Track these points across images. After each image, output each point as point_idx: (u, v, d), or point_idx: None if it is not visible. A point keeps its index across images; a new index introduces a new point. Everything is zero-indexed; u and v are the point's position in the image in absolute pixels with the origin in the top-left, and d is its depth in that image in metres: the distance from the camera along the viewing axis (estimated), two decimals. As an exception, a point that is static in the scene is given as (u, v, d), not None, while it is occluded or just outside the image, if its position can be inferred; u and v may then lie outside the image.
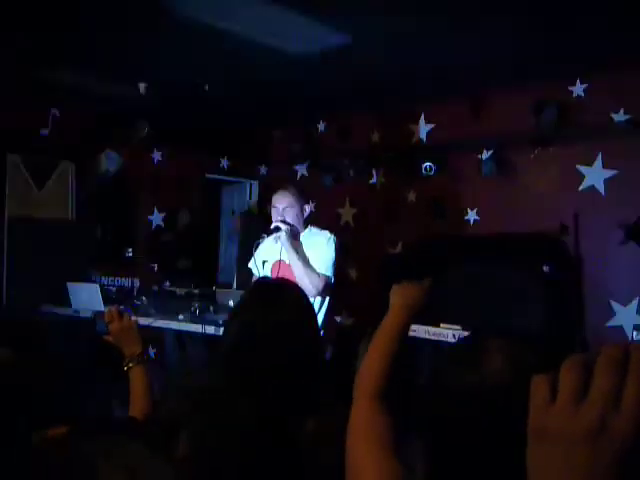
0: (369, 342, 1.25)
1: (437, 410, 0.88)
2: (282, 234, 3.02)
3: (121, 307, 1.62)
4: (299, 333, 1.34)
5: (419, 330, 3.42)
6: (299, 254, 3.04)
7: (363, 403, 1.10)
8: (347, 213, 5.24)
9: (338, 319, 4.87)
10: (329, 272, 3.01)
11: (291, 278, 2.82)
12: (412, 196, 4.81)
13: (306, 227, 3.21)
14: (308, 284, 2.86)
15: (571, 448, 0.43)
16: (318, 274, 2.96)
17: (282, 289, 1.47)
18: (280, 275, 3.01)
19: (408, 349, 1.28)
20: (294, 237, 3.11)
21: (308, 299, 1.56)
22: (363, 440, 1.00)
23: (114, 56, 3.95)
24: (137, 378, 1.54)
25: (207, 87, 4.31)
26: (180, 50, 3.81)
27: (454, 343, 1.00)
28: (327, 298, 3.04)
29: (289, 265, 3.12)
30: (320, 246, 3.08)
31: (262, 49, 3.72)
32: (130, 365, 1.56)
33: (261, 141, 5.69)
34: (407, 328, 1.30)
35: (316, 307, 2.99)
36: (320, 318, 2.96)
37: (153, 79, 4.33)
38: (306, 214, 3.18)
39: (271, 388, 1.18)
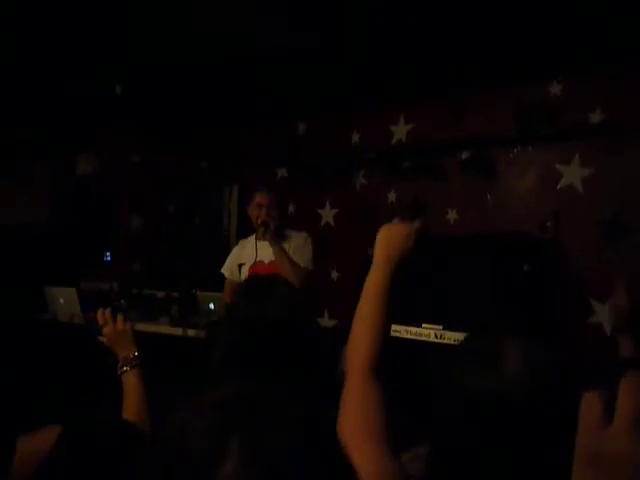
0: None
1: (452, 413, 0.84)
2: (270, 229, 3.13)
3: (109, 309, 1.58)
4: (299, 329, 1.32)
5: (401, 331, 3.42)
6: (283, 250, 3.15)
7: (354, 379, 1.06)
8: (327, 214, 5.23)
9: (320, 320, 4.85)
10: (312, 267, 3.20)
11: None
12: (392, 196, 4.82)
13: (282, 228, 3.30)
14: (293, 277, 2.93)
15: (636, 476, 0.38)
16: (302, 268, 3.12)
17: (273, 285, 1.45)
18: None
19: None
20: (279, 234, 3.22)
21: (299, 294, 1.57)
22: (354, 426, 0.96)
23: (90, 54, 3.89)
24: (131, 382, 1.52)
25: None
26: (151, 47, 3.78)
27: (462, 340, 0.94)
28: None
29: (268, 265, 3.19)
30: (299, 246, 3.23)
31: (235, 45, 3.71)
32: (124, 369, 1.53)
33: (241, 143, 5.65)
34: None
35: None
36: None
37: (129, 78, 4.27)
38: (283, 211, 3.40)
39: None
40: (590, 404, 0.41)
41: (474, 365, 0.84)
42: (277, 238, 3.17)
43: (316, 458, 0.44)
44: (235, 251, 3.45)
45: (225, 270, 3.41)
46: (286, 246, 3.20)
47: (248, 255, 3.28)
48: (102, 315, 1.58)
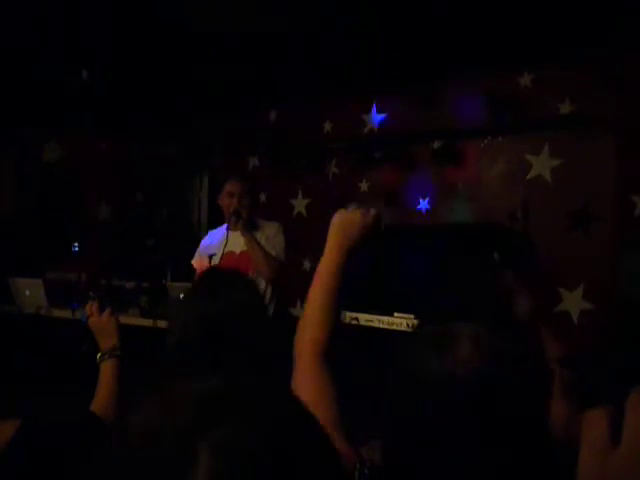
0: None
1: (404, 395, 0.83)
2: (242, 218, 3.08)
3: (97, 301, 1.61)
4: (259, 318, 1.31)
5: (373, 320, 3.43)
6: (255, 239, 3.10)
7: (302, 362, 1.04)
8: (300, 204, 5.21)
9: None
10: (283, 257, 3.15)
11: (242, 269, 2.81)
12: (364, 186, 4.82)
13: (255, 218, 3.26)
14: (265, 267, 2.99)
15: None
16: (274, 257, 3.09)
17: (232, 277, 1.44)
18: (231, 266, 3.01)
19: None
20: (251, 224, 3.17)
21: (257, 286, 1.57)
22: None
23: (54, 41, 3.79)
24: (106, 372, 1.53)
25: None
26: (117, 34, 3.70)
27: (416, 328, 0.95)
28: (273, 290, 3.10)
29: (239, 255, 3.15)
30: (271, 236, 3.18)
31: (201, 32, 3.65)
32: (104, 358, 1.55)
33: (212, 131, 5.58)
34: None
35: (267, 298, 3.01)
36: (270, 309, 3.01)
37: (96, 65, 4.18)
38: (257, 201, 3.38)
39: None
40: (593, 422, 0.37)
41: (426, 349, 0.83)
42: (249, 228, 3.12)
43: (289, 455, 0.42)
44: (205, 242, 3.38)
45: (195, 262, 3.36)
46: (258, 236, 3.15)
47: (218, 246, 3.21)
48: (90, 307, 1.62)
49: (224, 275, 1.52)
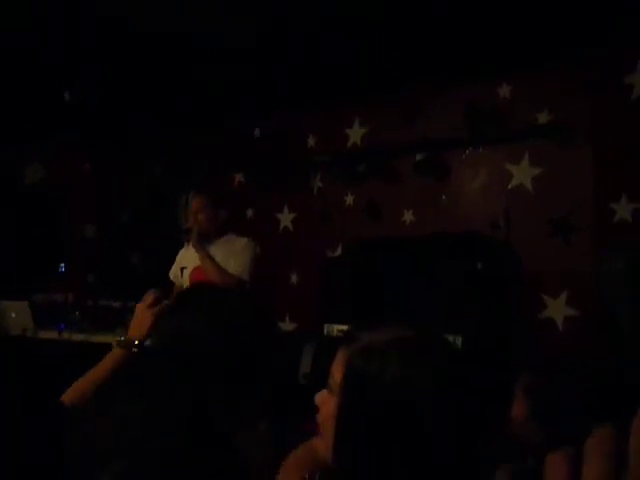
0: (312, 347, 1.23)
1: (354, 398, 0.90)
2: (193, 235, 3.07)
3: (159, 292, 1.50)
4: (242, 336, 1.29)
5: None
6: (209, 256, 3.06)
7: None
8: (286, 218, 5.23)
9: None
10: (245, 276, 3.04)
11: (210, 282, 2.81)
12: (350, 199, 4.86)
13: (225, 233, 3.22)
14: (219, 282, 2.88)
15: None
16: (230, 274, 2.99)
17: (220, 293, 1.41)
18: (199, 280, 3.00)
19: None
20: (206, 238, 3.14)
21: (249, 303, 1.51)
22: None
23: (35, 60, 3.80)
24: (108, 358, 1.44)
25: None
26: (97, 51, 3.72)
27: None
28: None
29: (194, 270, 3.15)
30: (236, 252, 3.11)
31: (190, 49, 3.69)
32: (116, 344, 1.46)
33: (196, 148, 5.60)
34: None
35: None
36: None
37: (78, 83, 4.19)
38: (221, 218, 3.20)
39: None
40: (555, 466, 0.36)
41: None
42: (201, 243, 3.07)
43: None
44: (180, 254, 3.38)
45: (171, 274, 3.36)
46: (223, 250, 3.12)
47: (189, 259, 3.21)
48: (149, 294, 1.51)
49: (212, 290, 1.49)
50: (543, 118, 4.04)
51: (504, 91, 4.20)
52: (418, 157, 4.52)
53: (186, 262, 3.23)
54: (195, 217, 3.14)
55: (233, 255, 3.09)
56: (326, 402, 0.95)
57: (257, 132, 5.34)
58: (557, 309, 3.92)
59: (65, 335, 3.74)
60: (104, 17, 3.26)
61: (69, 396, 1.34)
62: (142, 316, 1.47)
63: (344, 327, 3.48)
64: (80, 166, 5.52)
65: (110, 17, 3.26)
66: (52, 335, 3.80)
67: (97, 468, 0.90)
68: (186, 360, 1.13)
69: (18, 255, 5.01)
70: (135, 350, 1.43)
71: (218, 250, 3.14)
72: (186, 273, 3.18)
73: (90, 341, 3.56)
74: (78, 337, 3.72)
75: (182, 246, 3.38)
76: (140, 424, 1.01)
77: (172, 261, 3.42)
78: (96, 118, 4.91)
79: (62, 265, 5.28)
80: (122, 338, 1.46)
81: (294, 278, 5.09)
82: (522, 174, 4.14)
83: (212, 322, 1.18)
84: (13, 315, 3.96)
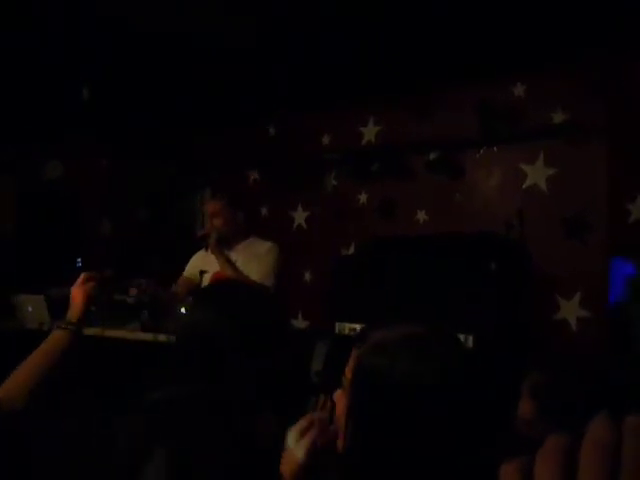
0: (324, 345, 1.24)
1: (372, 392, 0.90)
2: (211, 241, 2.98)
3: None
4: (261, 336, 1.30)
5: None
6: (229, 261, 2.97)
7: None
8: (300, 216, 5.25)
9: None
10: (268, 282, 2.91)
11: None
12: (363, 198, 4.86)
13: (246, 236, 3.14)
14: None
15: None
16: (252, 281, 2.85)
17: (243, 290, 1.41)
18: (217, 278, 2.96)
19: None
20: (225, 244, 3.04)
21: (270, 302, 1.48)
22: None
23: (54, 59, 3.86)
24: (49, 343, 1.39)
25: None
26: (117, 52, 3.76)
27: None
28: None
29: (214, 275, 3.06)
30: (259, 256, 3.01)
31: (202, 47, 3.72)
32: (55, 327, 1.43)
33: (212, 146, 5.63)
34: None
35: None
36: None
37: (95, 80, 4.24)
38: (239, 220, 3.10)
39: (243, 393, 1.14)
40: (508, 477, 0.36)
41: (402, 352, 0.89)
42: (221, 248, 2.97)
43: (233, 464, 0.46)
44: (199, 256, 3.26)
45: (186, 273, 3.31)
46: (245, 254, 3.05)
47: (211, 263, 3.10)
48: (81, 277, 1.52)
49: (235, 288, 1.46)
50: (558, 117, 4.01)
51: (518, 90, 4.18)
52: (432, 156, 4.52)
53: (207, 266, 3.13)
54: (211, 222, 3.05)
55: (256, 259, 2.99)
56: (339, 400, 0.97)
57: (272, 129, 5.36)
58: (571, 310, 3.90)
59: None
60: (114, 17, 3.30)
61: (5, 388, 1.29)
62: (76, 295, 1.49)
63: (356, 325, 3.49)
64: (97, 163, 5.59)
65: (117, 17, 3.30)
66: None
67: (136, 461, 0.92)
68: (203, 354, 1.16)
69: (36, 249, 5.09)
70: (72, 329, 1.42)
71: (239, 254, 3.05)
72: (207, 277, 3.09)
73: (104, 335, 3.61)
74: (92, 331, 3.77)
75: (197, 246, 3.26)
76: (173, 411, 1.03)
77: (187, 258, 3.40)
78: (111, 116, 4.97)
79: (79, 260, 5.35)
80: (61, 322, 1.45)
81: (307, 276, 5.11)
82: (536, 174, 4.12)
83: (227, 318, 1.20)
84: (30, 309, 4.02)
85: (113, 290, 2.61)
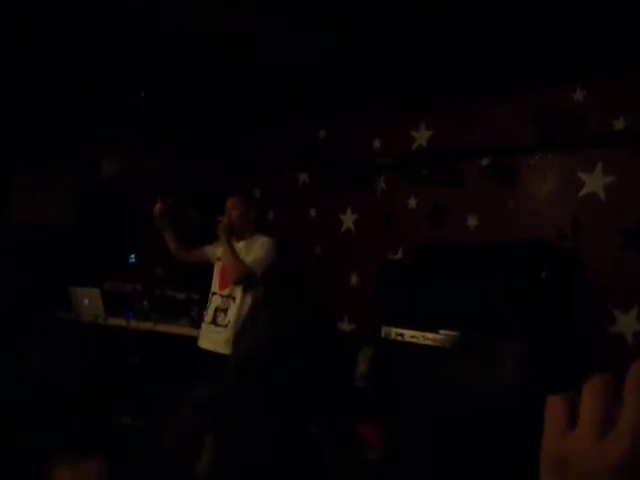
0: (369, 349, 1.24)
1: (443, 408, 0.88)
2: (221, 226, 3.44)
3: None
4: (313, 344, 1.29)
5: (418, 337, 3.42)
6: (231, 247, 3.42)
7: None
8: (348, 219, 5.25)
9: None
10: (258, 268, 3.38)
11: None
12: (413, 202, 4.82)
13: (254, 233, 3.59)
14: (230, 268, 3.37)
15: None
16: (242, 263, 3.37)
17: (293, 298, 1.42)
18: (224, 271, 3.49)
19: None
20: (235, 234, 3.50)
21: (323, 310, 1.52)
22: None
23: (112, 60, 3.99)
24: None
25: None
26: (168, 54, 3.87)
27: (451, 343, 0.99)
28: (248, 296, 3.38)
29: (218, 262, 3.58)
30: (256, 247, 3.49)
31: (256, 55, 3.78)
32: None
33: (262, 148, 5.70)
34: None
35: (237, 301, 3.35)
36: (233, 311, 3.33)
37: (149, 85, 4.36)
38: (252, 217, 3.59)
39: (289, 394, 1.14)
40: (553, 407, 0.39)
41: (465, 365, 0.88)
42: (228, 235, 3.42)
43: (284, 457, 0.46)
44: (220, 245, 3.64)
45: (205, 248, 3.78)
46: (247, 246, 3.50)
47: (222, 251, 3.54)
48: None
49: (289, 294, 1.49)
50: (619, 125, 3.88)
51: (578, 95, 4.06)
52: (484, 161, 4.44)
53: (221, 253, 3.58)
54: (230, 213, 3.53)
55: (253, 250, 3.47)
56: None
57: (323, 132, 5.39)
58: (627, 324, 3.76)
59: (132, 323, 3.90)
60: (174, 29, 3.39)
61: None
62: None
63: (403, 330, 3.47)
64: (150, 162, 5.72)
65: (179, 30, 3.39)
66: (120, 322, 3.97)
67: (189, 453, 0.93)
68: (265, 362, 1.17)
69: (91, 245, 5.25)
70: None
71: (243, 247, 3.53)
72: (219, 264, 3.57)
73: (155, 330, 3.70)
74: (144, 325, 3.87)
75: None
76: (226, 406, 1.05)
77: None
78: (165, 117, 5.09)
79: (132, 256, 5.50)
80: None
81: (354, 279, 5.10)
82: (594, 182, 3.99)
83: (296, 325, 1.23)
84: (86, 302, 4.16)
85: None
